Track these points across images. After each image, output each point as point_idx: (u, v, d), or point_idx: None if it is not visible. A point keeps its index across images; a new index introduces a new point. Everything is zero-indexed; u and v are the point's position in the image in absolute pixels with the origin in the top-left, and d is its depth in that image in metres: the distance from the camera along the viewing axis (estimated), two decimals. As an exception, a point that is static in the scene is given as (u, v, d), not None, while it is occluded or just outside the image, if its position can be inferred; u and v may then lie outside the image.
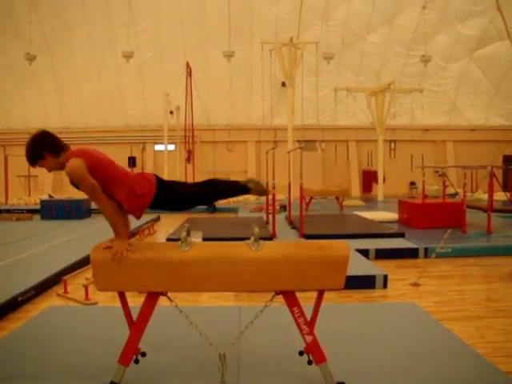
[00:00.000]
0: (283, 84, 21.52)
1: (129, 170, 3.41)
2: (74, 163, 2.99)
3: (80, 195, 18.78)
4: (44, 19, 21.62)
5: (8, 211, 16.65)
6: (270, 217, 10.86)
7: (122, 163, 14.40)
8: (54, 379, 3.38)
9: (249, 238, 3.16)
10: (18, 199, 21.33)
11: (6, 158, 21.10)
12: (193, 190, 3.50)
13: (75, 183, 3.07)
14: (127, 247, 3.05)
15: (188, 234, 3.12)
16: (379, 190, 21.15)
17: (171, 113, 21.67)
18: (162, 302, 3.28)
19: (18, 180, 23.43)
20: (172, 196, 3.33)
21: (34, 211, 15.42)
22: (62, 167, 3.13)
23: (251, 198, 21.28)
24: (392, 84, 19.86)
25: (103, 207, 3.10)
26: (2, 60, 22.76)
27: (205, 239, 4.29)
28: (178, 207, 3.50)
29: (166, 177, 20.09)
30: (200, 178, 20.57)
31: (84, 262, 7.18)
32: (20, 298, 5.43)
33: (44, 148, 3.13)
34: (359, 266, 6.51)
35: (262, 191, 3.52)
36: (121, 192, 3.21)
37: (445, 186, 12.37)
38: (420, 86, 22.19)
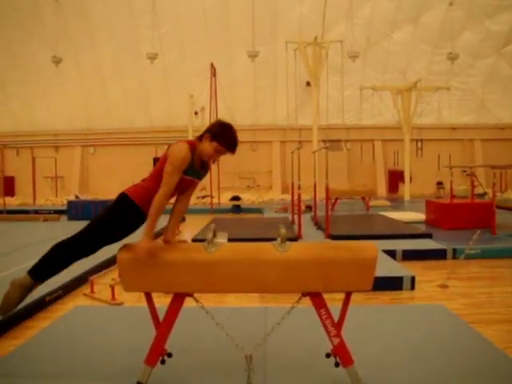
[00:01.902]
0: (308, 83, 21.42)
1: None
2: (185, 147, 3.16)
3: (106, 196, 18.90)
4: (69, 22, 21.91)
5: (36, 212, 16.91)
6: (296, 217, 10.82)
7: (147, 164, 14.65)
8: (80, 379, 3.40)
9: (274, 239, 3.13)
10: (45, 200, 21.68)
11: (33, 159, 21.45)
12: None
13: (169, 163, 3.11)
14: (151, 250, 3.03)
15: (214, 235, 3.11)
16: (406, 190, 20.90)
17: (196, 113, 21.75)
18: (188, 302, 3.27)
19: (45, 181, 23.81)
20: None
21: (60, 212, 15.64)
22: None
23: (276, 198, 21.28)
24: (418, 82, 19.62)
25: (163, 199, 3.14)
26: (29, 63, 23.14)
27: (230, 240, 4.26)
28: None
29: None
30: (224, 179, 20.65)
31: (110, 263, 7.23)
32: (47, 298, 5.48)
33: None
34: (386, 267, 6.43)
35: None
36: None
37: (473, 186, 12.16)
38: (447, 84, 21.85)
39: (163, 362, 3.29)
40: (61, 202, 20.54)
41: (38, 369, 3.58)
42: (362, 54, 21.29)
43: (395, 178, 24.26)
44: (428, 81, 21.86)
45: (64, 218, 14.49)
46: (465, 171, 20.78)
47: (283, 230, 3.06)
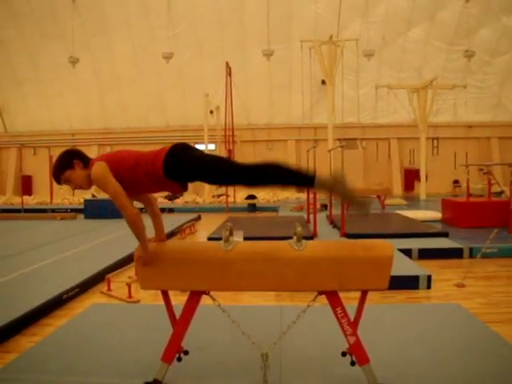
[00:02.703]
0: (323, 82, 21.39)
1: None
2: (97, 166, 2.92)
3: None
4: (86, 22, 22.13)
5: (53, 210, 17.11)
6: (311, 216, 10.81)
7: (164, 163, 14.18)
8: (97, 376, 3.44)
9: (290, 238, 3.14)
10: (62, 199, 21.88)
11: (50, 158, 21.63)
12: (215, 160, 2.99)
13: (100, 188, 2.93)
14: (147, 262, 3.03)
15: (231, 234, 3.12)
16: (422, 189, 20.77)
17: (211, 112, 21.82)
18: (205, 300, 3.29)
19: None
20: (186, 160, 2.94)
21: (77, 210, 15.78)
22: (89, 182, 3.02)
23: (291, 196, 21.26)
24: (434, 80, 19.48)
25: (127, 215, 2.92)
26: (46, 63, 23.40)
27: (246, 238, 4.30)
28: (202, 177, 3.01)
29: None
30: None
31: (127, 261, 7.29)
32: (65, 296, 5.55)
33: (74, 156, 3.06)
34: (402, 266, 6.40)
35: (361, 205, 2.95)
36: (140, 170, 2.99)
37: (490, 185, 12.05)
38: (463, 82, 21.67)
39: (180, 359, 3.31)
40: (78, 200, 20.72)
41: (56, 365, 3.63)
42: (378, 52, 21.20)
43: (411, 177, 24.14)
44: (444, 79, 21.70)
45: (81, 216, 14.63)
46: (481, 169, 20.55)
47: (299, 229, 3.06)
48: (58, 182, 3.05)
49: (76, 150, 3.14)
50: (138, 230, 2.96)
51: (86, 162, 3.05)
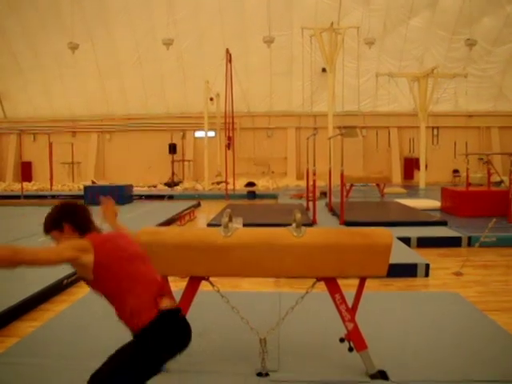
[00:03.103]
0: (323, 70, 21.30)
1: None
2: (80, 240, 2.34)
3: (121, 181, 18.99)
4: (85, 9, 21.97)
5: (53, 197, 17.11)
6: (311, 203, 10.83)
7: (163, 150, 14.64)
8: (96, 360, 3.45)
9: (288, 224, 3.15)
10: (62, 185, 21.87)
11: (50, 145, 21.62)
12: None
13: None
14: None
15: (230, 220, 3.13)
16: (421, 178, 20.78)
17: (211, 100, 21.74)
18: (204, 287, 3.30)
19: (62, 167, 24.01)
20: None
21: (77, 197, 15.77)
22: None
23: (291, 184, 21.28)
24: (435, 69, 19.41)
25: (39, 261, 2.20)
26: (46, 50, 23.29)
27: (245, 225, 4.29)
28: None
29: (205, 162, 20.23)
30: (240, 164, 20.62)
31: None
32: (65, 281, 5.57)
33: (67, 218, 2.44)
34: (401, 254, 6.42)
35: None
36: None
37: (490, 174, 12.06)
38: (464, 71, 21.57)
39: (179, 344, 3.33)
40: (77, 187, 20.71)
41: (56, 350, 3.65)
42: (379, 40, 21.11)
43: (411, 165, 24.15)
44: (445, 67, 21.65)
45: (81, 203, 14.60)
46: (481, 159, 20.58)
47: (298, 215, 3.07)
48: (46, 234, 2.48)
49: (74, 211, 2.51)
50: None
51: (82, 229, 2.44)
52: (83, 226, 2.46)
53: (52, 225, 2.44)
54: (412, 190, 18.85)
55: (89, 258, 2.27)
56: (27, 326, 4.36)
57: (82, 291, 5.47)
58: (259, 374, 3.21)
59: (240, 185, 20.24)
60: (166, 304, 2.36)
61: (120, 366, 2.29)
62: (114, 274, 2.33)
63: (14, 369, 3.38)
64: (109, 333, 3.96)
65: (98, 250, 2.30)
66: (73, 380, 3.19)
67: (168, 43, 20.11)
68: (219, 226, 3.16)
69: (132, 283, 2.34)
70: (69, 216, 2.45)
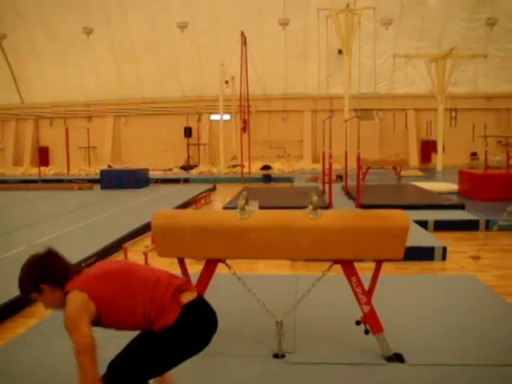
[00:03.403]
0: (340, 52, 21.08)
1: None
2: (74, 300, 2.15)
3: (137, 165, 19.08)
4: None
5: (69, 181, 17.28)
6: (326, 186, 10.80)
7: (178, 134, 14.67)
8: (115, 338, 3.50)
9: (304, 207, 3.14)
10: (78, 169, 22.05)
11: (66, 129, 21.75)
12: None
13: (66, 329, 2.17)
14: None
15: (247, 203, 3.13)
16: (438, 161, 20.57)
17: (226, 83, 21.68)
18: (220, 269, 3.32)
19: (78, 151, 24.17)
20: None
21: (94, 181, 15.91)
22: (62, 304, 2.21)
23: (307, 167, 21.22)
24: (454, 50, 19.10)
25: (86, 376, 2.08)
26: (62, 34, 23.34)
27: (261, 208, 4.31)
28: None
29: (221, 146, 20.21)
30: (255, 148, 20.59)
31: (143, 230, 7.36)
32: (83, 264, 5.62)
33: (41, 279, 2.22)
34: (417, 238, 6.36)
35: None
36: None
37: (509, 157, 11.89)
38: (484, 52, 21.16)
39: (196, 326, 3.35)
40: (94, 171, 20.86)
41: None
42: (396, 20, 20.81)
43: (428, 148, 23.91)
44: (464, 48, 21.21)
45: (97, 186, 14.74)
46: (500, 141, 20.32)
47: (315, 197, 3.06)
48: (25, 296, 2.32)
49: (46, 267, 2.24)
50: None
51: (60, 283, 2.22)
52: (60, 279, 2.22)
53: (29, 289, 2.25)
54: (429, 173, 18.69)
55: (92, 309, 2.16)
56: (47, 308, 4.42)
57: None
58: (275, 356, 3.22)
59: (255, 168, 20.22)
60: (186, 298, 2.26)
61: (142, 359, 2.21)
62: (116, 302, 2.20)
63: (35, 348, 3.44)
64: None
65: (92, 294, 2.17)
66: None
67: (183, 26, 20.06)
68: (235, 208, 3.16)
69: (139, 296, 2.20)
70: (42, 276, 2.21)
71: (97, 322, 2.21)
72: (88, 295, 2.15)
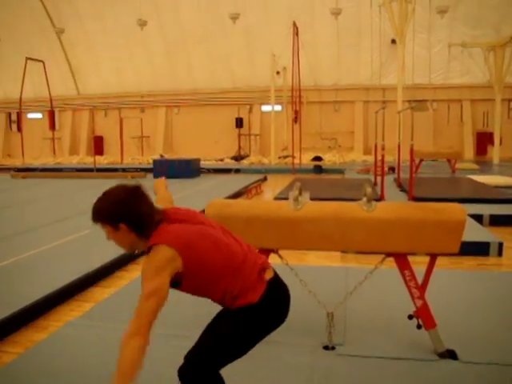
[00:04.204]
0: (393, 41, 20.66)
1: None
2: (163, 252, 2.01)
3: (189, 154, 19.32)
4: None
5: (123, 170, 17.69)
6: (378, 179, 10.66)
7: (230, 124, 14.74)
8: (162, 327, 3.58)
9: (356, 199, 3.12)
10: (132, 159, 22.53)
11: (121, 120, 22.23)
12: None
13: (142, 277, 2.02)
14: None
15: (300, 193, 3.13)
16: (495, 153, 19.91)
17: (278, 73, 21.64)
18: (270, 259, 3.34)
19: (131, 140, 24.69)
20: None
21: (147, 170, 16.22)
22: (133, 247, 2.19)
23: (358, 159, 20.99)
24: (514, 38, 18.39)
25: (133, 341, 1.88)
26: (115, 27, 23.83)
27: (312, 200, 4.29)
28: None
29: (272, 137, 20.21)
30: (306, 139, 20.49)
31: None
32: (137, 251, 5.76)
33: (126, 217, 2.06)
34: (472, 232, 6.19)
35: None
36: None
37: None
38: (546, 39, 20.27)
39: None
40: (146, 160, 21.27)
41: (128, 315, 3.78)
42: (452, 8, 20.15)
43: (484, 140, 23.19)
44: (525, 35, 20.36)
45: (150, 175, 15.04)
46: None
47: (369, 189, 3.03)
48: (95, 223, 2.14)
49: (135, 207, 2.08)
50: (128, 371, 1.82)
51: (140, 230, 2.09)
52: (143, 226, 2.08)
53: (106, 220, 2.09)
54: (485, 166, 18.14)
55: (178, 268, 2.02)
56: (102, 293, 4.57)
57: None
58: (325, 347, 3.23)
59: (306, 159, 20.15)
60: (269, 275, 2.22)
61: (226, 341, 2.15)
62: (203, 269, 2.08)
63: (90, 331, 3.57)
64: (175, 301, 4.09)
65: (182, 253, 2.01)
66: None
67: (234, 17, 20.09)
68: (286, 199, 3.17)
69: (227, 268, 2.11)
70: (126, 216, 2.05)
71: (176, 283, 2.08)
72: (178, 253, 2.00)
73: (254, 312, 2.13)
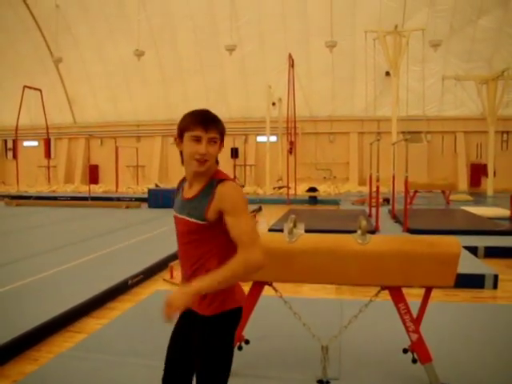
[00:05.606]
0: (387, 73, 20.98)
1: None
2: (241, 192, 2.09)
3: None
4: (151, 17, 22.61)
5: (118, 199, 17.65)
6: (373, 210, 10.67)
7: (225, 154, 14.81)
8: (159, 359, 3.52)
9: (351, 231, 3.12)
10: (127, 188, 22.54)
11: (116, 149, 22.31)
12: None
13: (228, 209, 2.02)
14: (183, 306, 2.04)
15: (294, 226, 3.13)
16: (489, 185, 20.02)
17: (273, 104, 21.83)
18: (265, 291, 3.31)
19: (127, 169, 24.73)
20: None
21: (141, 199, 16.20)
22: (211, 168, 2.18)
23: (353, 190, 21.04)
24: (506, 71, 18.67)
25: (257, 260, 1.99)
26: (113, 56, 24.12)
27: (306, 231, 4.27)
28: None
29: (267, 167, 20.27)
30: (301, 170, 20.55)
31: (189, 250, 7.42)
32: (130, 282, 5.72)
33: (224, 133, 2.19)
34: (467, 264, 6.19)
35: None
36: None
37: None
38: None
39: (240, 348, 3.36)
40: (141, 190, 21.28)
41: (121, 347, 3.76)
42: (445, 42, 20.50)
43: (478, 172, 23.34)
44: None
45: (145, 205, 15.01)
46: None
47: (364, 222, 3.03)
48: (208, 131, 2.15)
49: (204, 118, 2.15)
50: (222, 277, 1.93)
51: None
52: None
53: (222, 129, 2.18)
54: (479, 198, 18.22)
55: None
56: (95, 324, 4.51)
57: (146, 292, 5.61)
58: (320, 382, 3.18)
59: (301, 190, 20.20)
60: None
61: (221, 363, 2.12)
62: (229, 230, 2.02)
63: (83, 363, 3.51)
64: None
65: None
66: (137, 376, 3.28)
67: (231, 49, 20.36)
68: (280, 230, 3.16)
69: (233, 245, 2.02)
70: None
71: (205, 220, 2.06)
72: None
73: (231, 318, 2.11)
